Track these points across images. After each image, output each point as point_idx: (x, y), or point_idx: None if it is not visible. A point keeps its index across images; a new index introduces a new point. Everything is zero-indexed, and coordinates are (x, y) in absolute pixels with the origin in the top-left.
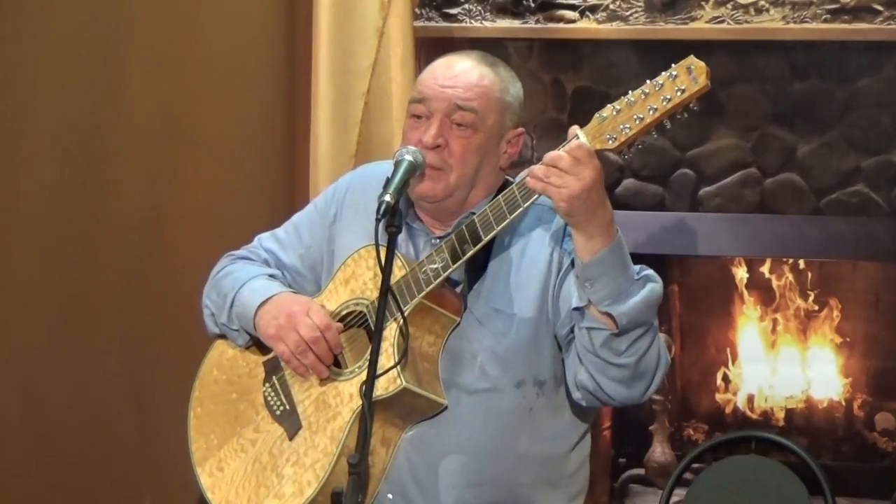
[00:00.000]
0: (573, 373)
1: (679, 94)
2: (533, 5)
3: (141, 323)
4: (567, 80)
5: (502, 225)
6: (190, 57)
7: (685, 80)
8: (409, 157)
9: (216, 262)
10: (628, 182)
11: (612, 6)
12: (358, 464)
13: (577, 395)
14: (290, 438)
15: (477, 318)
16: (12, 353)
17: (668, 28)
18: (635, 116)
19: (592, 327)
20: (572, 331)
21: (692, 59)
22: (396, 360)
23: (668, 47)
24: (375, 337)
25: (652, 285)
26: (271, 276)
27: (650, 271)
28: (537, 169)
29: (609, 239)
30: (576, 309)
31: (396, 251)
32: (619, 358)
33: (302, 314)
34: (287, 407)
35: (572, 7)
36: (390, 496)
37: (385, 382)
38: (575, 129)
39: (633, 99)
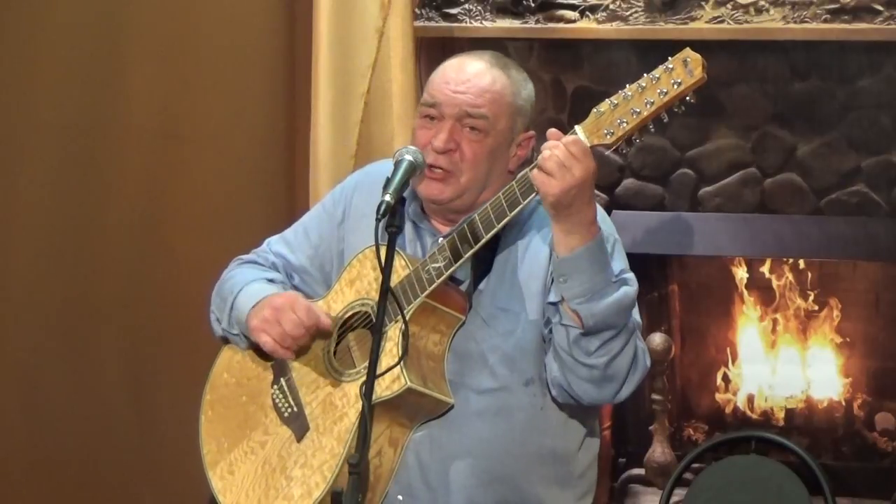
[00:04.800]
0: (549, 369)
1: (675, 86)
2: (533, 5)
3: (141, 322)
4: (567, 80)
5: (503, 223)
6: (190, 56)
7: (681, 72)
8: (409, 157)
9: (220, 264)
10: (628, 182)
11: (612, 6)
12: (358, 464)
13: (553, 391)
14: (298, 440)
15: (483, 318)
16: (12, 352)
17: (668, 28)
18: (632, 110)
19: (566, 324)
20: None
21: (688, 52)
22: (399, 359)
23: (668, 47)
24: (375, 336)
25: (626, 289)
26: (270, 280)
27: (629, 275)
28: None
29: (588, 238)
30: (551, 303)
31: (401, 251)
32: (589, 358)
33: (287, 309)
34: (295, 409)
35: (572, 7)
36: (400, 497)
37: (389, 382)
38: (575, 129)
39: (629, 93)
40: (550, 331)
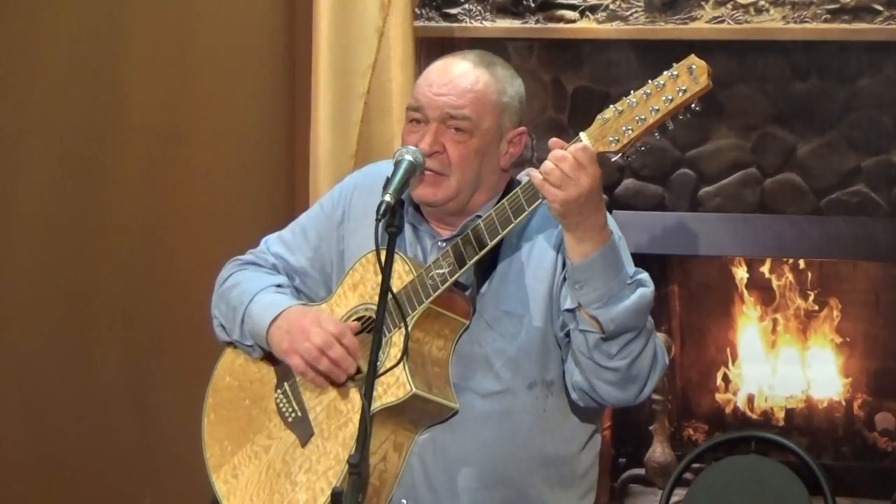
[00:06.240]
0: (570, 374)
1: (681, 94)
2: (533, 5)
3: (141, 322)
4: (567, 80)
5: (507, 229)
6: (190, 57)
7: (686, 79)
8: (409, 157)
9: (220, 265)
10: (628, 182)
11: (612, 6)
12: (358, 464)
13: (574, 395)
14: (303, 445)
15: (486, 322)
16: (12, 353)
17: (668, 28)
18: (637, 118)
19: (585, 329)
20: (569, 333)
21: (693, 59)
22: (404, 364)
23: (668, 47)
24: (375, 337)
25: (642, 290)
26: (279, 286)
27: (644, 275)
28: (542, 166)
29: (600, 242)
30: (568, 310)
31: (403, 255)
32: (610, 361)
33: (314, 325)
34: (299, 413)
35: (572, 7)
36: (404, 501)
37: (394, 388)
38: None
39: (634, 100)
40: (567, 335)
